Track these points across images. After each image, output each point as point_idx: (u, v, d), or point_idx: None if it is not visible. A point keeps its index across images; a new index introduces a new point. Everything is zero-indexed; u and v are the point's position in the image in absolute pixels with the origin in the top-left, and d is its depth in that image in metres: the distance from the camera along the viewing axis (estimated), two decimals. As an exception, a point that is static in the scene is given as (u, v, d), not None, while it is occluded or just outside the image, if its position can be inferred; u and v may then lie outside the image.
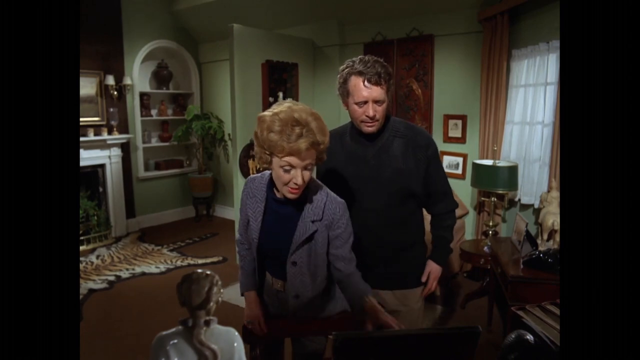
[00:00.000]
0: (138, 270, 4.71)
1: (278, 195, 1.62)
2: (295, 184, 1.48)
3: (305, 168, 1.48)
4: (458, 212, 4.60)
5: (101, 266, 4.82)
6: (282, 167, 1.47)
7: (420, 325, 2.11)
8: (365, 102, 1.81)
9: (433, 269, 2.05)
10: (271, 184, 1.65)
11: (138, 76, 6.06)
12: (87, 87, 5.48)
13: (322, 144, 1.48)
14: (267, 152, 1.49)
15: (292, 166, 1.46)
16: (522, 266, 2.70)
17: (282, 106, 1.49)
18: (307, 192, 1.59)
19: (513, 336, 1.32)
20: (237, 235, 1.93)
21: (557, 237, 2.94)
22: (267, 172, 1.66)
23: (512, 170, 3.68)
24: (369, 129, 1.87)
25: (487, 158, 4.17)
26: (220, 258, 5.02)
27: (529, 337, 1.31)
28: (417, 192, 1.95)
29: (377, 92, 1.79)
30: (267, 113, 1.50)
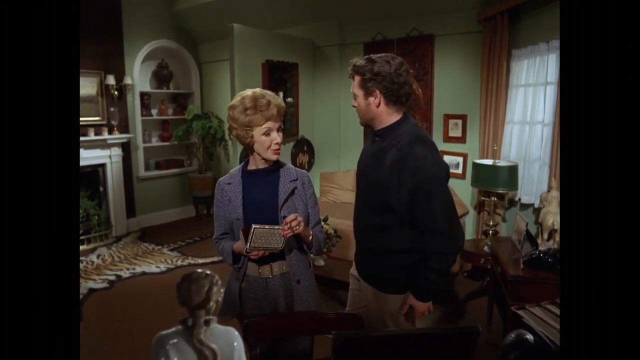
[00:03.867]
0: (138, 269, 4.72)
1: (252, 167, 1.92)
2: (277, 143, 1.83)
3: (278, 130, 1.84)
4: (458, 211, 4.58)
5: (102, 266, 4.82)
6: (263, 133, 1.80)
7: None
8: None
9: (414, 304, 1.89)
10: (244, 166, 1.95)
11: (138, 76, 6.06)
12: (88, 86, 5.48)
13: (284, 107, 1.86)
14: (248, 128, 1.80)
15: (270, 129, 1.81)
16: (522, 266, 2.69)
17: (244, 92, 1.84)
18: (279, 164, 1.92)
19: (513, 336, 1.32)
20: (215, 234, 2.01)
21: (557, 237, 2.94)
22: (234, 170, 1.98)
23: (512, 170, 3.68)
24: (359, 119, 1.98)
25: (487, 158, 4.16)
26: (221, 258, 5.02)
27: (529, 336, 1.31)
28: (397, 209, 1.80)
29: (352, 85, 1.88)
30: (234, 101, 1.83)
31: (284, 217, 1.82)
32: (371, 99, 1.81)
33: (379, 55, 1.82)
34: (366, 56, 1.84)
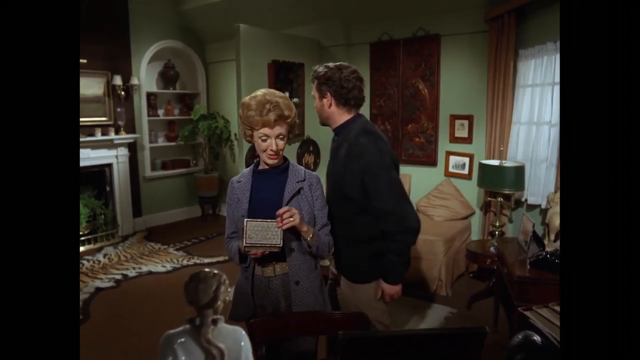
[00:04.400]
0: (144, 269, 4.74)
1: (262, 167, 1.92)
2: (272, 150, 1.81)
3: (277, 137, 1.80)
4: (463, 212, 4.63)
5: (108, 265, 4.85)
6: (260, 137, 1.81)
7: None
8: None
9: (384, 287, 2.06)
10: (255, 165, 1.95)
11: (145, 76, 6.09)
12: (95, 87, 5.51)
13: (289, 118, 1.82)
14: (248, 127, 1.82)
15: (267, 136, 1.79)
16: (528, 267, 2.68)
17: (259, 92, 1.83)
18: (289, 164, 1.92)
19: (520, 337, 1.31)
20: (226, 233, 2.00)
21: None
22: (247, 169, 1.99)
23: (519, 171, 3.67)
24: None
25: (493, 158, 4.15)
26: (227, 257, 5.03)
27: (536, 337, 1.31)
28: (354, 198, 1.99)
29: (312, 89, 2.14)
30: (247, 98, 1.84)
31: None
32: (324, 100, 2.08)
33: (335, 63, 2.09)
34: (325, 64, 2.10)
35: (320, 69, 2.08)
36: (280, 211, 1.73)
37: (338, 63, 2.08)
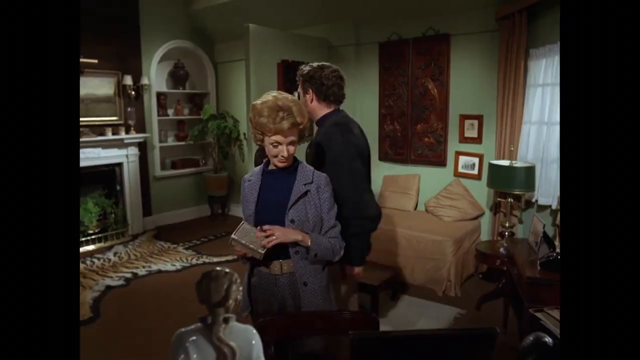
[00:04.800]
0: (154, 267, 4.77)
1: (271, 167, 1.93)
2: (283, 156, 1.81)
3: (289, 144, 1.80)
4: (473, 212, 4.61)
5: (118, 263, 4.89)
6: (271, 143, 1.80)
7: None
8: None
9: (346, 268, 2.25)
10: (265, 165, 1.96)
11: (155, 76, 6.13)
12: (106, 86, 5.55)
13: (301, 124, 1.81)
14: (259, 133, 1.82)
15: (279, 143, 1.78)
16: (539, 268, 2.66)
17: (269, 96, 1.81)
18: (298, 165, 1.91)
19: (531, 338, 1.31)
20: None
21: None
22: (258, 167, 2.01)
23: (529, 171, 3.64)
24: None
25: (503, 158, 4.13)
26: (235, 256, 5.04)
27: (547, 339, 1.30)
28: None
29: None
30: (258, 102, 1.82)
31: (292, 220, 1.82)
32: (307, 96, 2.27)
33: (318, 63, 2.27)
34: (309, 64, 2.28)
35: (305, 68, 2.27)
36: (264, 227, 1.77)
37: (321, 63, 2.28)
